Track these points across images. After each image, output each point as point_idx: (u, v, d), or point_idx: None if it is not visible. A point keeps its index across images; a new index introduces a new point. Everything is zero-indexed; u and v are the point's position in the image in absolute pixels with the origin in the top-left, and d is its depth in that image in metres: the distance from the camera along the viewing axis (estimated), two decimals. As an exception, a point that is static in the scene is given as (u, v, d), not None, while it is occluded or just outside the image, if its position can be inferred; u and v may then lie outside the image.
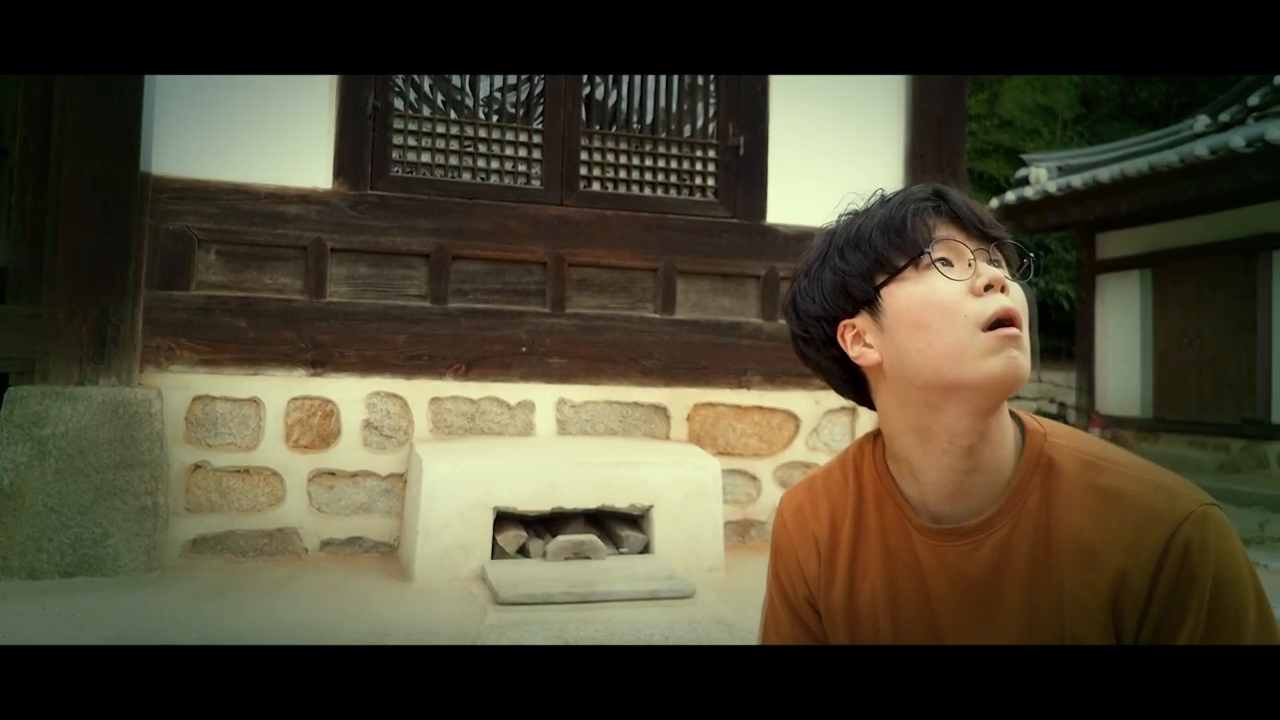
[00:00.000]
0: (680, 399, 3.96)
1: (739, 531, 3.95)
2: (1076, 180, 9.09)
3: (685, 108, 4.10)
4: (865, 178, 4.09)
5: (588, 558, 3.18)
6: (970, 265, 0.97)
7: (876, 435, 1.12)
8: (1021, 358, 0.94)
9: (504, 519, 3.27)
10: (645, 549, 3.35)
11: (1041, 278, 14.32)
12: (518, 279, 3.83)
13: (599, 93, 4.03)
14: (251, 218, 3.51)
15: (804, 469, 3.99)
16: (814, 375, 1.11)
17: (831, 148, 4.12)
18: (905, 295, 0.97)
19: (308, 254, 3.58)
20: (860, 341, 1.02)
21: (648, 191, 4.02)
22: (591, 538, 3.24)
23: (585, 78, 3.96)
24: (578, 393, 3.86)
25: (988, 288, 0.95)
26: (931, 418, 0.99)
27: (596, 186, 3.96)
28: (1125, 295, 10.06)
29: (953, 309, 0.94)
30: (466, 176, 3.81)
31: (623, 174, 4.00)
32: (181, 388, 3.42)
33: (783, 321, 1.07)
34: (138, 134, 3.29)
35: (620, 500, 3.35)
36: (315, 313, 3.58)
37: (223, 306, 3.48)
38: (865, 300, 1.00)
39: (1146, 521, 0.90)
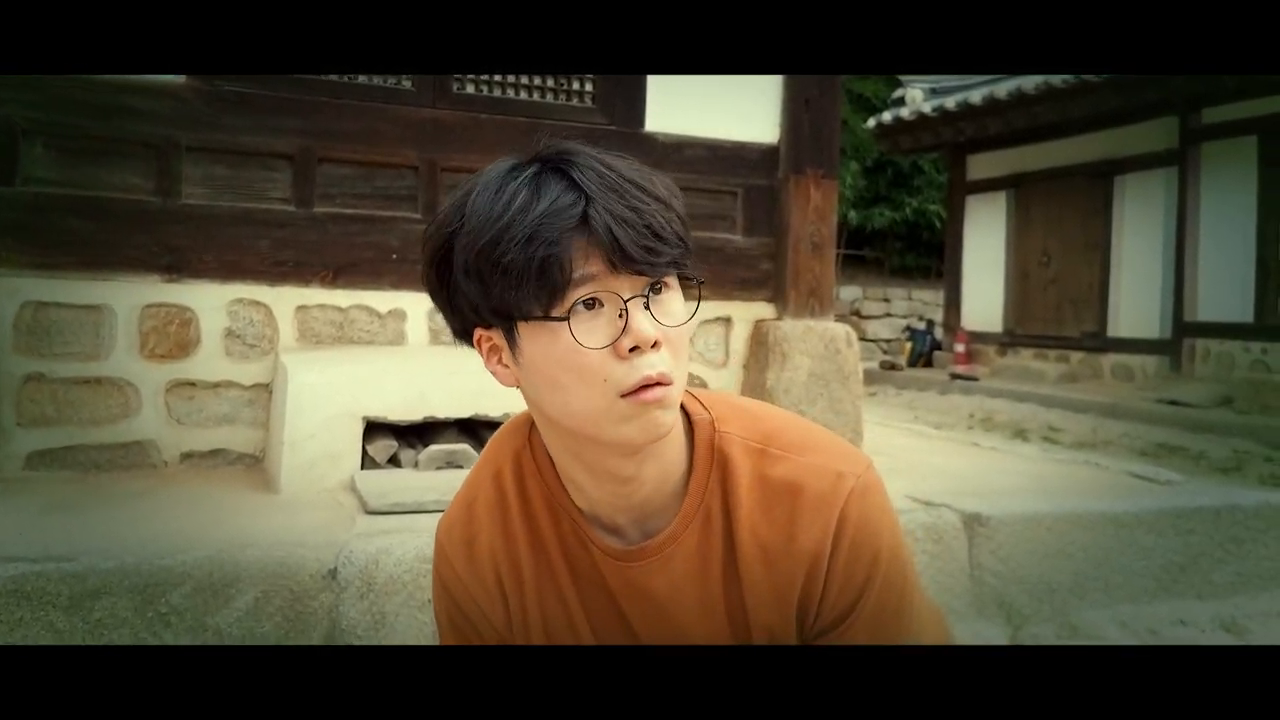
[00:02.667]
0: (556, 309, 3.93)
1: (614, 440, 3.99)
2: (949, 102, 9.33)
3: (563, 9, 3.97)
4: (744, 90, 4.10)
5: (460, 466, 3.16)
6: (622, 316, 0.83)
7: (531, 437, 0.99)
8: (665, 415, 0.85)
9: (374, 429, 3.21)
10: (520, 457, 3.35)
11: (914, 198, 14.76)
12: (388, 183, 3.69)
13: (472, -11, 3.86)
14: (90, 110, 3.24)
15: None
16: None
17: (711, 56, 4.07)
18: (541, 346, 0.85)
19: (159, 152, 3.35)
20: (496, 358, 0.90)
21: (523, 95, 3.90)
22: (464, 447, 3.23)
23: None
24: (451, 302, 3.78)
25: (633, 349, 0.83)
26: (583, 450, 0.91)
27: (470, 89, 3.82)
28: (991, 215, 10.49)
29: (592, 373, 0.83)
30: (332, 74, 3.61)
31: (497, 76, 3.86)
32: (9, 293, 3.17)
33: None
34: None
35: (494, 409, 3.33)
36: (169, 215, 3.37)
37: (60, 206, 3.22)
38: (501, 326, 0.87)
39: (817, 510, 0.91)
